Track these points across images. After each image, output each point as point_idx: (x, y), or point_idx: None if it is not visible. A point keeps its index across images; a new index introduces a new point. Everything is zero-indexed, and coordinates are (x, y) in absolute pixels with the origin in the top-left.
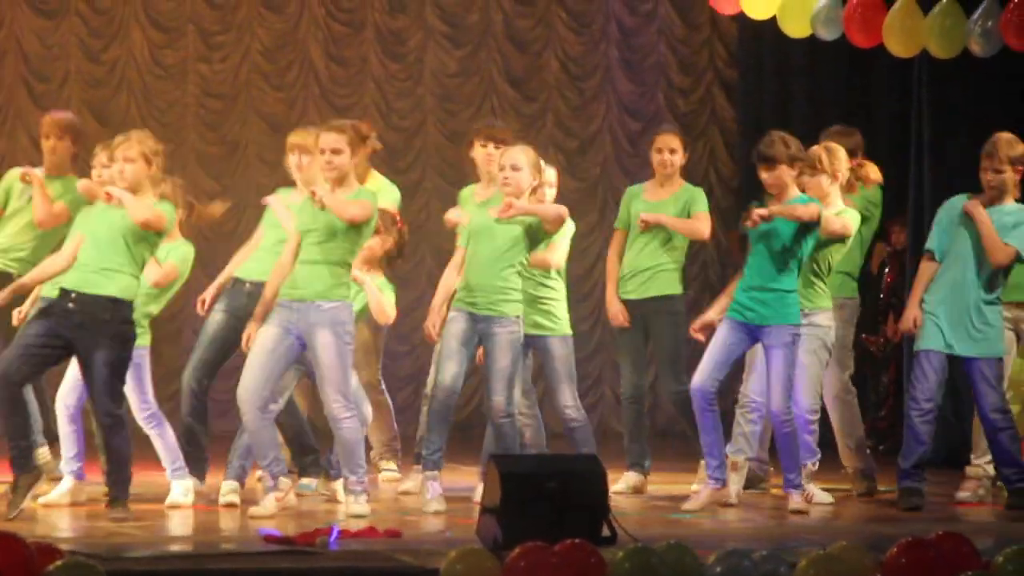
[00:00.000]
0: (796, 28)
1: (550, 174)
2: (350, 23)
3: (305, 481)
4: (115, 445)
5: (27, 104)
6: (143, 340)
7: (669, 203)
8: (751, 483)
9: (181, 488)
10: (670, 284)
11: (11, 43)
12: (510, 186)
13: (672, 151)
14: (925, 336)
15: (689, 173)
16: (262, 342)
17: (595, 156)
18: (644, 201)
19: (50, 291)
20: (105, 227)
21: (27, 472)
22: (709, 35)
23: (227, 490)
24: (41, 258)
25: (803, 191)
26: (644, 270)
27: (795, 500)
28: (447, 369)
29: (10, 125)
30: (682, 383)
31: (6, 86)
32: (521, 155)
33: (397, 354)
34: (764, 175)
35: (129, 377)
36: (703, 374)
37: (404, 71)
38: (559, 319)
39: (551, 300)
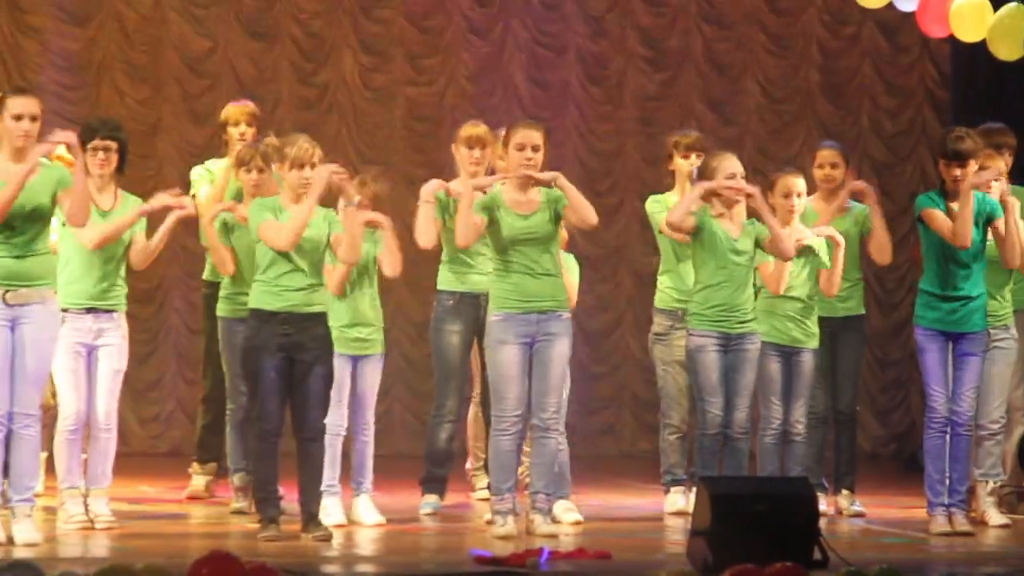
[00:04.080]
0: (1007, 51)
1: (800, 184)
2: (552, 47)
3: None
4: (319, 458)
5: None
6: (379, 347)
7: (846, 222)
8: None
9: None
10: (861, 303)
11: (225, 66)
12: (743, 192)
13: (834, 166)
14: None
15: (899, 194)
16: (513, 363)
17: None
18: (816, 215)
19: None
20: (312, 243)
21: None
22: (919, 56)
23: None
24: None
25: None
26: (839, 290)
27: (960, 520)
28: (714, 405)
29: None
30: (855, 404)
31: (219, 108)
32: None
33: (596, 375)
34: (957, 172)
35: (367, 385)
36: (942, 401)
37: (604, 94)
38: (814, 333)
39: (808, 316)
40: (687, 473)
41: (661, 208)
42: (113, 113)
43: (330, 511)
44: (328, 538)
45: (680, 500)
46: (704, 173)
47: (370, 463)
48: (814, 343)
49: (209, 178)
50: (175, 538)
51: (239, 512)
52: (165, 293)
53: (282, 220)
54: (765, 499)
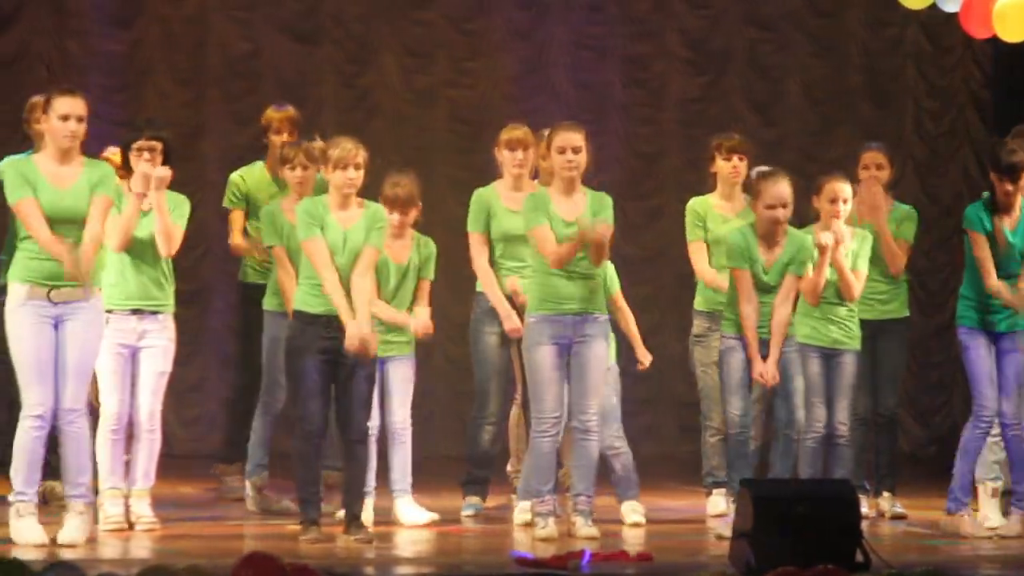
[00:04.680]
0: None
1: (847, 189)
2: (594, 48)
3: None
4: (363, 459)
5: None
6: (407, 348)
7: (890, 225)
8: None
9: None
10: (904, 305)
11: (268, 69)
12: (783, 222)
13: (879, 167)
14: None
15: (942, 195)
16: (549, 364)
17: None
18: (864, 222)
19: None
20: (354, 247)
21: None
22: (962, 57)
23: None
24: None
25: None
26: (881, 292)
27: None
28: (737, 405)
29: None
30: (897, 406)
31: (262, 111)
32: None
33: (637, 377)
34: (1009, 186)
35: (399, 387)
36: (992, 398)
37: (647, 97)
38: (856, 335)
39: (850, 318)
40: (728, 475)
41: (699, 218)
42: (156, 115)
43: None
44: (370, 540)
45: (722, 502)
46: (752, 191)
47: (409, 464)
48: (856, 344)
49: (237, 197)
50: (216, 539)
51: (265, 511)
52: (207, 295)
53: (328, 226)
54: (807, 501)
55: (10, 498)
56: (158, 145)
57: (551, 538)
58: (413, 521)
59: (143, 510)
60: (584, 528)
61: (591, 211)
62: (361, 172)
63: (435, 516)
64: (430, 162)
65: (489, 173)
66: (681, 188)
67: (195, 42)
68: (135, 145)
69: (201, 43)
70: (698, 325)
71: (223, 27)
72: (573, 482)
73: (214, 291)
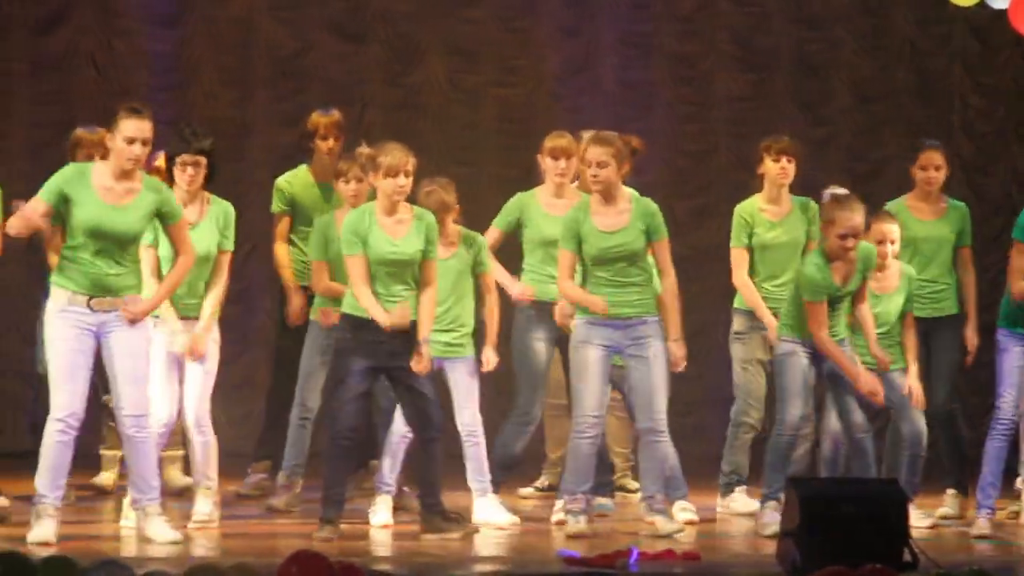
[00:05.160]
0: None
1: (895, 231)
2: (641, 46)
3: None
4: (438, 456)
5: None
6: (470, 351)
7: (944, 224)
8: None
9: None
10: (956, 303)
11: (315, 69)
12: (853, 250)
13: (937, 168)
14: None
15: (991, 194)
16: (594, 362)
17: (886, 180)
18: (917, 221)
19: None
20: (404, 256)
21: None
22: (1010, 55)
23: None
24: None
25: None
26: (934, 291)
27: None
28: (795, 407)
29: None
30: (947, 402)
31: (308, 111)
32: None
33: (686, 377)
34: None
35: (463, 387)
36: (1011, 403)
37: (694, 95)
38: (898, 356)
39: (894, 344)
40: (768, 476)
41: (747, 224)
42: (203, 115)
43: (378, 510)
44: (472, 532)
45: (745, 499)
46: (823, 215)
47: (485, 463)
48: (900, 364)
49: (284, 203)
50: (263, 537)
51: (273, 509)
52: (253, 294)
53: (374, 235)
54: (854, 500)
55: (33, 500)
56: (203, 160)
57: (582, 534)
58: (493, 521)
59: (202, 507)
60: (667, 525)
61: (638, 219)
62: (410, 179)
63: (515, 519)
64: (477, 161)
65: (536, 173)
66: (729, 187)
67: (241, 42)
68: (179, 159)
69: (247, 43)
70: (739, 322)
71: (270, 27)
72: (645, 483)
73: (260, 290)
